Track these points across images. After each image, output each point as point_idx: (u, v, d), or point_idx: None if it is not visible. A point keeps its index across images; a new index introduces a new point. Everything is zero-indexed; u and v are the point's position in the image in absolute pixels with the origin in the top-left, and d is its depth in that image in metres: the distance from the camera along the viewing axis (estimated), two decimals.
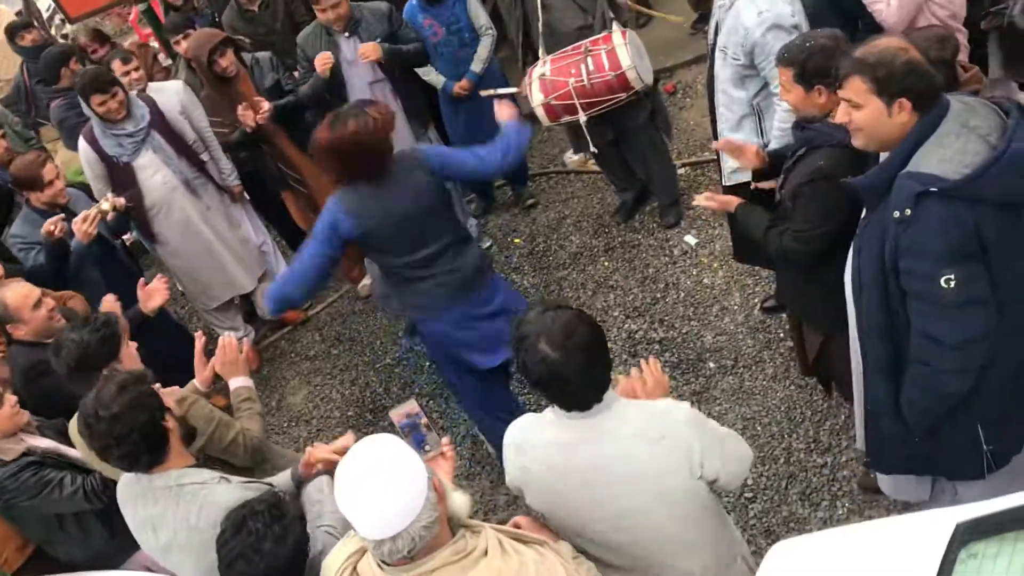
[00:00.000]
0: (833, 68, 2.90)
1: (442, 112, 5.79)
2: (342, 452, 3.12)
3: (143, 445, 2.60)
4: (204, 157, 5.46)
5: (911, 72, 2.35)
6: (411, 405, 2.55)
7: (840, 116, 2.50)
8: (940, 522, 2.10)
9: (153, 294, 4.25)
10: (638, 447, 2.27)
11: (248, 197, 5.85)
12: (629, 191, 5.64)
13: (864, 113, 2.43)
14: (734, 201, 3.41)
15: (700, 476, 2.28)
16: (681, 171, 5.78)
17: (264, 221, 6.38)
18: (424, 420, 2.55)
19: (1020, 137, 2.30)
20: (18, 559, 3.66)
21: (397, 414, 2.56)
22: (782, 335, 4.49)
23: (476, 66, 5.51)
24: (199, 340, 3.61)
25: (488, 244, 5.99)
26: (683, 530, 2.37)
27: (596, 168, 6.17)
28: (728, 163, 4.06)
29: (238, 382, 3.35)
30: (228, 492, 2.67)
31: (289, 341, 6.14)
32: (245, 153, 5.58)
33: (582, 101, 4.85)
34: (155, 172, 5.18)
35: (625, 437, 2.28)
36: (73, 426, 3.25)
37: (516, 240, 5.94)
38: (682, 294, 5.00)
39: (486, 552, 2.03)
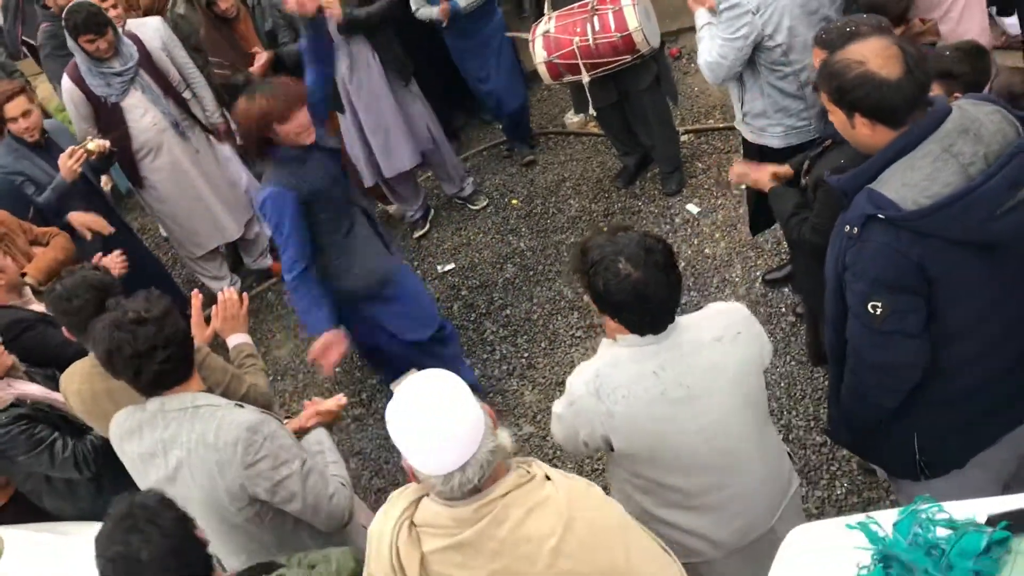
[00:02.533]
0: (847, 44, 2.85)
1: (451, 51, 5.66)
2: (334, 409, 3.08)
3: (184, 351, 2.55)
4: (186, 95, 5.28)
5: (860, 86, 2.20)
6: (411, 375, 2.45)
7: (829, 115, 2.40)
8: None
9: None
10: (721, 349, 2.31)
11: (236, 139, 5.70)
12: (631, 156, 5.52)
13: (836, 121, 2.34)
14: (767, 183, 3.32)
15: (765, 369, 2.39)
16: (684, 138, 5.66)
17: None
18: None
19: (1012, 167, 2.17)
20: None
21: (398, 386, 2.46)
22: (783, 309, 4.41)
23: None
24: (196, 299, 3.49)
25: (484, 203, 5.88)
26: (759, 437, 2.43)
27: (597, 131, 6.05)
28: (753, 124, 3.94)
29: (238, 339, 3.23)
30: (248, 414, 2.60)
31: (276, 293, 6.01)
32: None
33: (586, 61, 4.72)
34: (144, 113, 5.01)
35: (707, 343, 2.31)
36: (65, 381, 3.14)
37: (514, 201, 5.81)
38: (682, 263, 4.90)
39: (547, 477, 1.97)
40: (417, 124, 5.42)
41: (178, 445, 2.58)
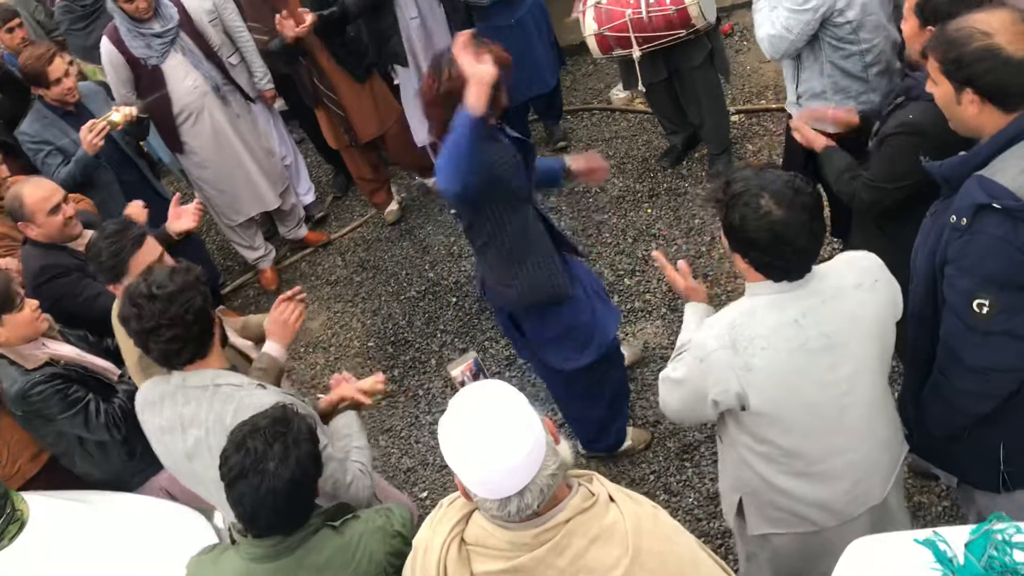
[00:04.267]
0: (953, 16, 2.66)
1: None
2: (370, 392, 2.97)
3: (194, 330, 2.47)
4: (233, 60, 5.19)
5: (983, 61, 2.04)
6: (470, 359, 2.34)
7: (927, 86, 2.25)
8: None
9: (183, 215, 3.95)
10: (860, 297, 2.20)
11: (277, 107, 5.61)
12: (678, 135, 5.35)
13: (939, 93, 2.18)
14: (821, 141, 3.16)
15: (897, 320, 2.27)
16: (734, 118, 5.48)
17: (298, 130, 6.19)
18: (486, 376, 2.34)
19: None
20: (32, 468, 3.52)
21: (458, 370, 2.35)
22: None
23: None
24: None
25: None
26: (884, 396, 2.33)
27: (643, 108, 5.88)
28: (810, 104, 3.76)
29: (273, 349, 2.91)
30: (267, 396, 2.53)
31: (310, 263, 5.94)
32: (281, 63, 5.29)
33: (638, 35, 4.55)
34: (185, 75, 4.92)
35: (848, 289, 2.20)
36: (114, 314, 3.07)
37: None
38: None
39: (611, 498, 1.84)
40: None
41: (196, 424, 2.53)
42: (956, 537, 2.03)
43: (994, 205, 2.05)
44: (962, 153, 2.22)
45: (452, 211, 5.42)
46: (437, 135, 3.05)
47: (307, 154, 6.55)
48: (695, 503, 3.76)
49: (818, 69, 3.58)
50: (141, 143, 5.10)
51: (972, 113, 2.13)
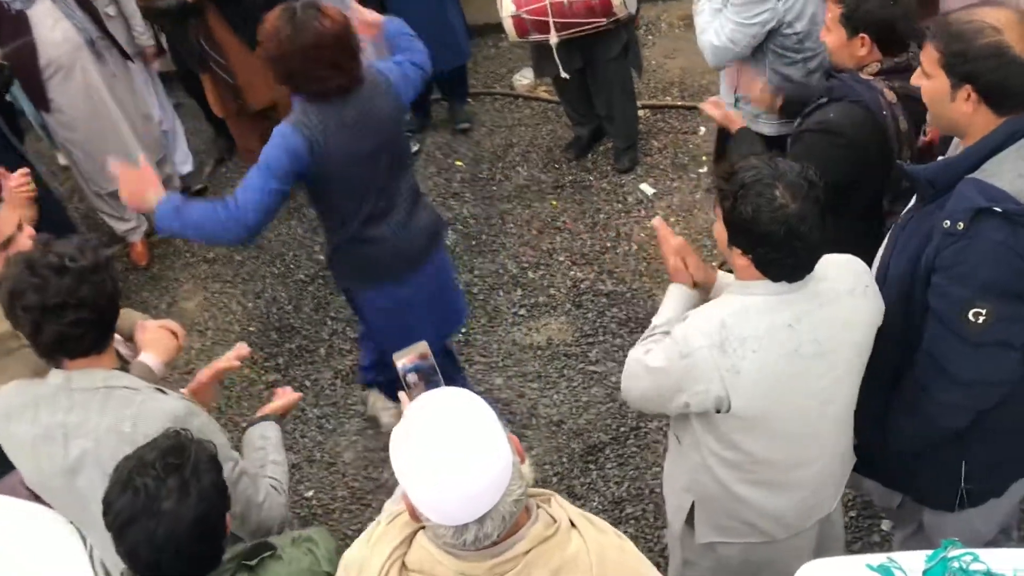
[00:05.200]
0: (888, 23, 2.62)
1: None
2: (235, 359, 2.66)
3: (104, 318, 2.16)
4: (110, 11, 4.71)
5: (990, 58, 1.96)
6: (422, 347, 2.10)
7: (914, 78, 2.16)
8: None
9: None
10: (855, 303, 2.14)
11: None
12: (585, 126, 5.23)
13: (929, 86, 2.09)
14: (739, 121, 3.11)
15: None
16: (641, 113, 5.40)
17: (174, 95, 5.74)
18: (436, 371, 2.11)
19: None
20: None
21: (405, 359, 2.10)
22: None
23: None
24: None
25: (415, 149, 5.44)
26: (853, 406, 2.27)
27: (547, 96, 5.74)
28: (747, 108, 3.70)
29: (151, 360, 2.57)
30: (173, 401, 2.21)
31: (185, 239, 5.50)
32: (167, 22, 4.86)
33: (557, 20, 4.40)
34: (55, 24, 4.41)
35: (843, 295, 2.12)
36: None
37: (458, 162, 5.44)
38: (634, 246, 4.66)
39: (572, 524, 1.65)
40: None
41: (84, 433, 2.17)
42: (909, 563, 1.98)
43: (995, 209, 1.96)
44: (950, 155, 2.16)
45: None
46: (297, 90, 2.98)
47: (184, 121, 6.10)
48: (599, 507, 3.65)
49: (759, 74, 3.50)
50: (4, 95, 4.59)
51: (963, 111, 2.04)
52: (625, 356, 4.05)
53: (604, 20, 4.38)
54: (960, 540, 2.01)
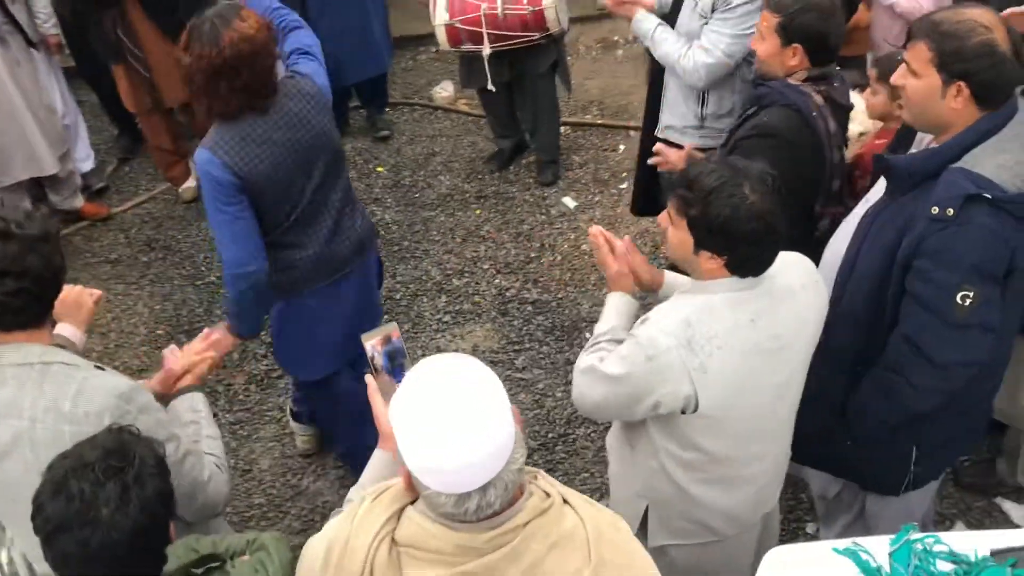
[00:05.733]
0: (822, 35, 2.75)
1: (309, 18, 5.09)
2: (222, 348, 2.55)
3: (46, 291, 2.03)
4: None
5: (983, 56, 2.06)
6: (391, 328, 2.02)
7: (895, 78, 2.26)
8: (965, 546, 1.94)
9: None
10: (808, 298, 2.17)
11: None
12: (508, 139, 5.27)
13: (918, 84, 2.18)
14: (682, 156, 3.15)
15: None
16: (561, 130, 5.47)
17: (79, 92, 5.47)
18: (404, 355, 2.04)
19: None
20: None
21: (374, 340, 2.02)
22: None
23: None
24: None
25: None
26: (797, 404, 2.29)
27: (467, 109, 5.76)
28: (663, 118, 3.74)
29: (69, 332, 2.43)
30: (116, 378, 2.09)
31: (86, 238, 5.24)
32: (80, 8, 4.63)
33: (490, 32, 4.43)
34: None
35: (797, 290, 2.15)
36: None
37: (379, 168, 5.39)
38: (559, 257, 4.71)
39: (565, 500, 1.60)
40: None
41: (17, 413, 2.02)
42: (874, 547, 2.04)
43: (984, 195, 2.06)
44: (930, 147, 2.24)
45: None
46: (209, 114, 2.78)
47: (85, 116, 5.83)
48: None
49: (730, 87, 3.52)
50: None
51: (952, 107, 2.13)
52: (551, 363, 4.18)
53: (537, 35, 4.44)
54: (897, 524, 2.09)
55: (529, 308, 4.44)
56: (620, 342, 2.21)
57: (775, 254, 2.08)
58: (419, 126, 5.75)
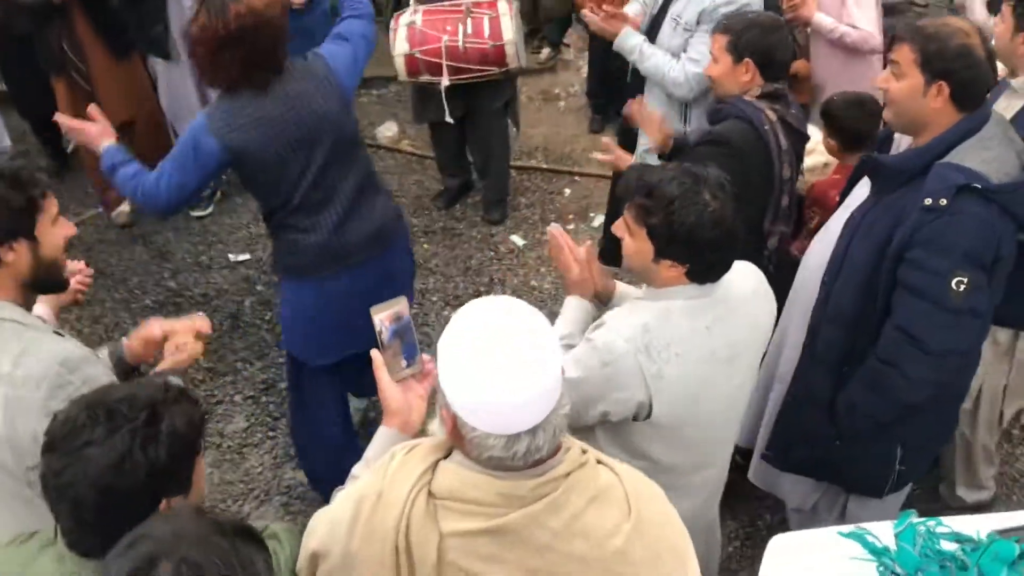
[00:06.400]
0: (769, 48, 2.92)
1: None
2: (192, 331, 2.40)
3: None
4: None
5: (961, 57, 2.21)
6: (401, 304, 1.97)
7: (880, 80, 2.38)
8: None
9: None
10: (757, 305, 2.18)
11: None
12: (456, 178, 5.29)
13: (901, 85, 2.31)
14: (628, 159, 3.26)
15: None
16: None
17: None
18: (411, 332, 1.98)
19: None
20: None
21: (383, 315, 1.96)
22: None
23: None
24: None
25: None
26: (743, 413, 2.29)
27: (411, 149, 5.80)
28: (641, 140, 3.84)
29: (43, 312, 2.32)
30: (67, 344, 1.98)
31: None
32: (26, 20, 4.48)
33: (450, 64, 4.47)
34: None
35: (749, 297, 2.16)
36: None
37: None
38: (508, 291, 4.70)
39: (598, 460, 1.58)
40: None
41: None
42: (878, 531, 2.08)
43: (974, 186, 2.17)
44: (913, 147, 2.36)
45: None
46: (210, 83, 2.93)
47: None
48: None
49: (707, 104, 3.65)
50: None
51: (932, 107, 2.26)
52: None
53: (496, 69, 4.51)
54: None
55: None
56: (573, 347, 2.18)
57: (733, 260, 2.09)
58: None
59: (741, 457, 2.95)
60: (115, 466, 1.49)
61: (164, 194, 2.85)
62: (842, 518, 2.72)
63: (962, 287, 2.21)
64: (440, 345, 1.48)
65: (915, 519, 2.05)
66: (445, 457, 1.57)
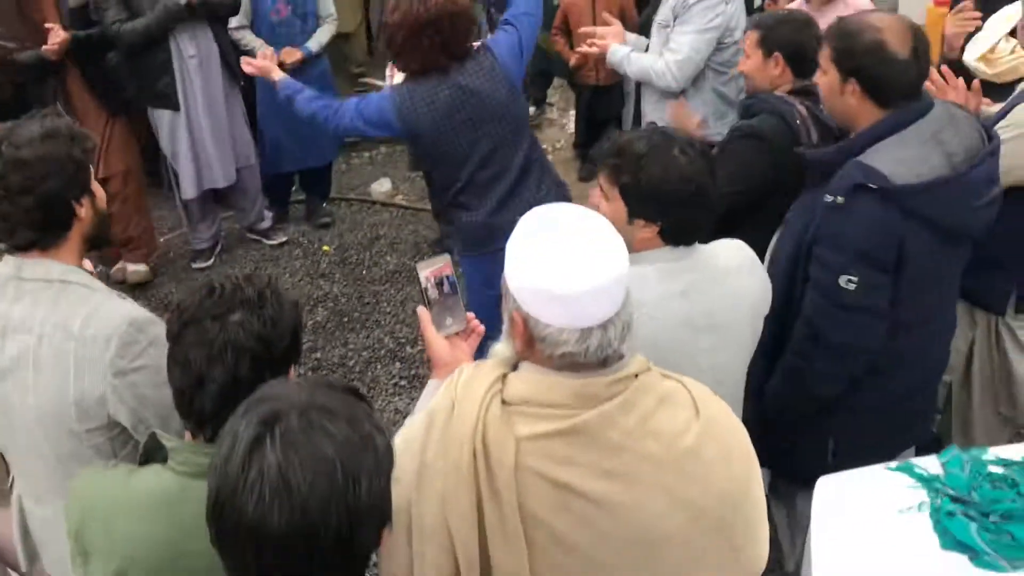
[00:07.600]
0: (799, 44, 2.96)
1: (258, 101, 5.21)
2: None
3: (34, 217, 1.92)
4: None
5: (870, 54, 2.21)
6: (445, 262, 1.98)
7: (816, 75, 2.45)
8: None
9: None
10: (743, 280, 2.09)
11: None
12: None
13: (824, 81, 2.37)
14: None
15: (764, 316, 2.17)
16: None
17: None
18: (455, 289, 1.99)
19: (989, 164, 2.29)
20: None
21: (428, 271, 1.96)
22: None
23: (313, 45, 5.15)
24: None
25: (283, 240, 5.45)
26: (740, 391, 2.16)
27: (405, 203, 5.89)
28: None
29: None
30: (134, 307, 1.99)
31: None
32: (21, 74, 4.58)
33: None
34: None
35: (732, 270, 2.08)
36: None
37: (325, 247, 5.37)
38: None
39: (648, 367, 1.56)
40: (241, 133, 4.98)
41: (27, 328, 1.93)
42: (926, 463, 2.09)
43: (870, 186, 2.16)
44: (838, 143, 2.39)
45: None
46: (404, 68, 3.23)
47: None
48: None
49: (700, 99, 3.74)
50: None
51: (851, 104, 2.29)
52: None
53: None
54: None
55: None
56: None
57: (707, 221, 2.06)
58: (359, 216, 5.80)
59: None
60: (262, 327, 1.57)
61: (346, 122, 3.26)
62: (790, 514, 2.72)
63: (852, 285, 2.22)
64: (509, 245, 1.49)
65: (958, 451, 2.07)
66: (514, 368, 1.57)
